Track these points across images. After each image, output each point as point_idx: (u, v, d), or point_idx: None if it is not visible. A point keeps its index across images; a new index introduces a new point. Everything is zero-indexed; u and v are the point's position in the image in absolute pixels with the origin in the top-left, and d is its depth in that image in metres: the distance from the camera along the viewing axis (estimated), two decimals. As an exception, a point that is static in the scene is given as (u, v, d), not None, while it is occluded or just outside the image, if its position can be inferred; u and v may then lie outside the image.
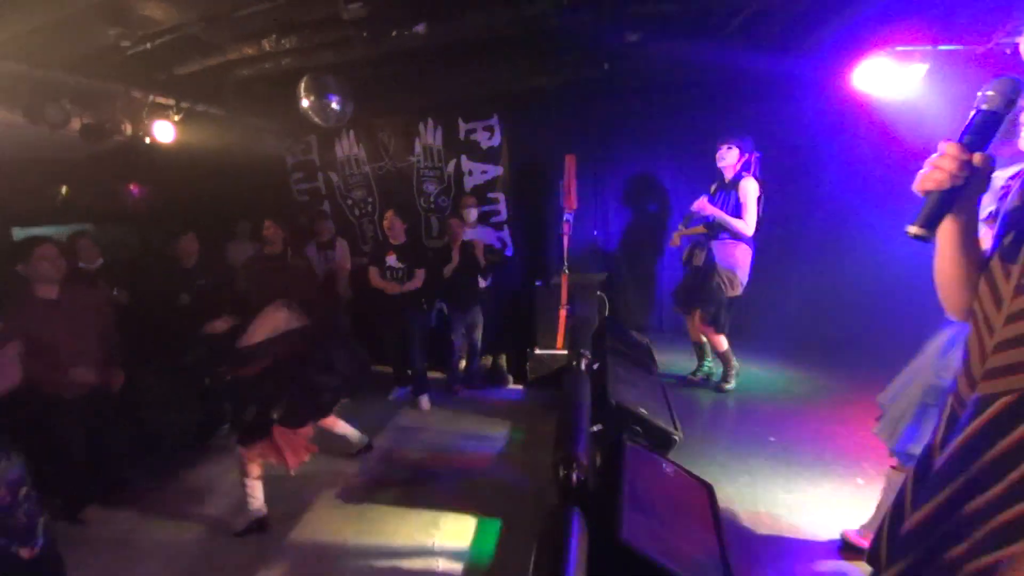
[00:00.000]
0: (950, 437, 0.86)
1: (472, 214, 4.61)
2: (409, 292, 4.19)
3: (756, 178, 3.72)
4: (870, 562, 1.00)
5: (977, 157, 0.82)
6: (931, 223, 0.85)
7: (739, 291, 3.81)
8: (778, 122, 4.39)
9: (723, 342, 3.90)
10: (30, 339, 2.69)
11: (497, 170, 4.92)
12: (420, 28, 3.15)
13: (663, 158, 4.96)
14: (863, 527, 2.29)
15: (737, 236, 3.76)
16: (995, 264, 0.87)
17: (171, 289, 3.84)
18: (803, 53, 3.61)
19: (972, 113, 0.83)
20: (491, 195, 4.96)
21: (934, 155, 0.84)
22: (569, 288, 4.47)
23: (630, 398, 2.76)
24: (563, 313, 4.46)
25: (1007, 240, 0.86)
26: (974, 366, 0.86)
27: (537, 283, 4.75)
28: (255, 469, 2.72)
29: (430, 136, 5.06)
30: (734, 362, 3.95)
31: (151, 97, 3.64)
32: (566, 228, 4.51)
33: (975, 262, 0.90)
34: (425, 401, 4.27)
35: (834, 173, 4.58)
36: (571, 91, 4.66)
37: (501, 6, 3.10)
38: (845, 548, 2.29)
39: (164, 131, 3.84)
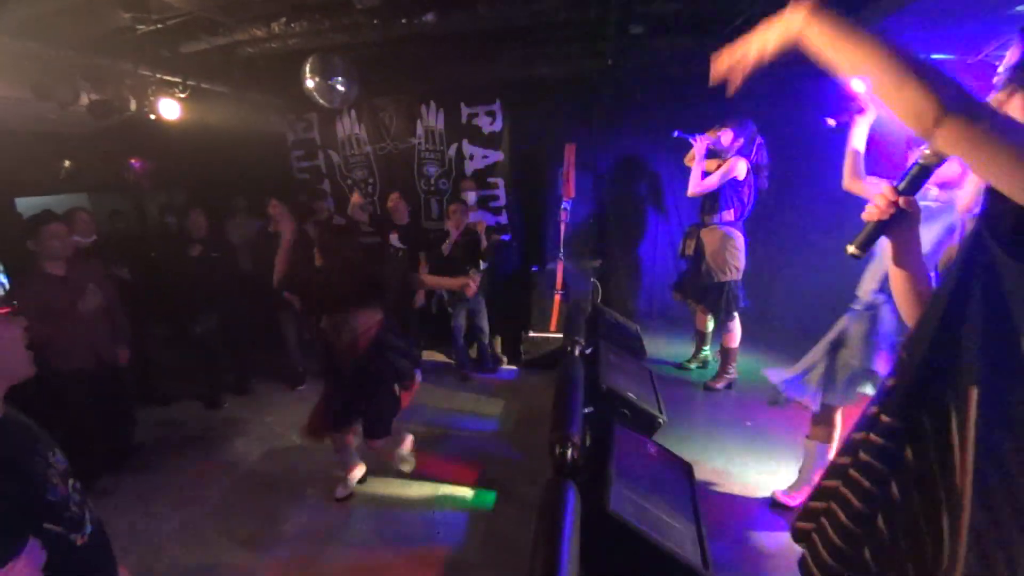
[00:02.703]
0: None
1: (471, 197, 4.72)
2: (403, 272, 4.32)
3: (757, 163, 3.71)
4: None
5: (902, 200, 1.01)
6: (863, 246, 1.05)
7: (732, 275, 3.81)
8: (779, 115, 4.42)
9: (735, 338, 3.92)
10: (42, 313, 2.82)
11: (498, 155, 5.00)
12: (429, 17, 3.20)
13: (661, 150, 5.06)
14: (790, 488, 2.70)
15: (723, 221, 3.79)
16: None
17: (179, 262, 3.94)
18: (802, 54, 3.71)
19: (910, 164, 1.01)
20: (491, 180, 5.05)
21: (876, 192, 1.04)
22: (564, 274, 4.63)
23: (620, 383, 2.95)
24: (557, 298, 4.63)
25: None
26: None
27: (533, 268, 4.91)
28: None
29: (432, 118, 5.11)
30: (733, 367, 3.98)
31: (157, 75, 3.66)
32: (563, 215, 4.63)
33: (917, 281, 1.09)
34: (418, 375, 4.46)
35: (837, 165, 4.63)
36: (574, 81, 4.73)
37: (510, -1, 3.16)
38: (774, 505, 2.70)
39: (170, 109, 3.87)
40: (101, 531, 1.17)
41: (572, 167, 4.55)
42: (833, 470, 1.09)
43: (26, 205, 4.80)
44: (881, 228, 1.03)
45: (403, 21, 3.26)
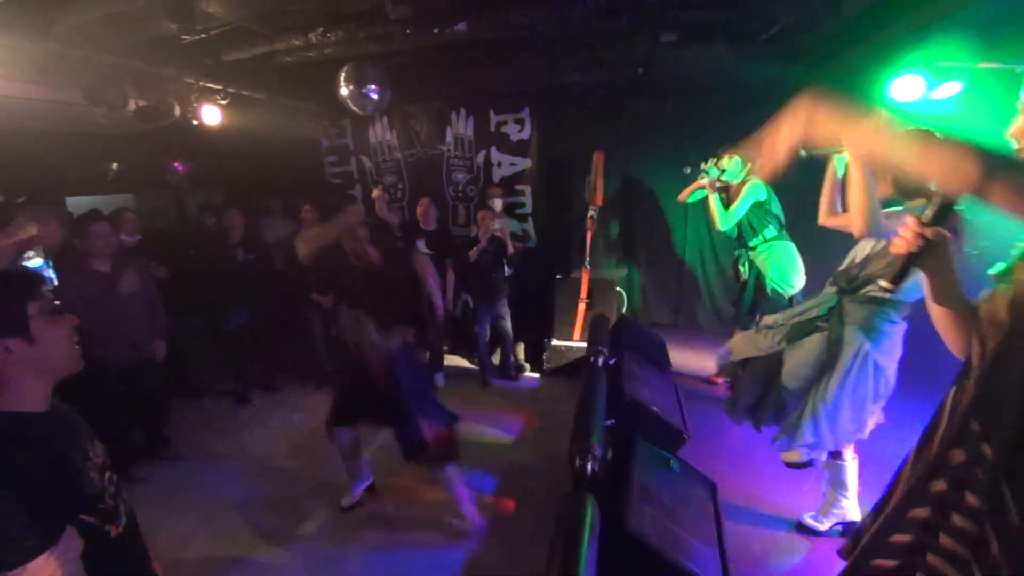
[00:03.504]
0: None
1: (498, 204, 4.74)
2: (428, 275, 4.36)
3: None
4: None
5: (929, 231, 0.97)
6: (896, 280, 1.02)
7: (797, 287, 3.77)
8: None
9: None
10: (86, 307, 2.95)
11: (525, 162, 5.02)
12: (462, 27, 3.24)
13: (690, 159, 5.00)
14: (818, 512, 2.59)
15: (768, 239, 3.76)
16: None
17: (216, 260, 4.08)
18: (837, 64, 3.62)
19: (933, 196, 0.98)
20: (518, 187, 5.07)
21: (902, 226, 1.01)
22: (589, 283, 4.59)
23: (644, 395, 2.90)
24: (582, 307, 4.59)
25: None
26: None
27: (558, 276, 4.89)
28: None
29: (461, 126, 5.17)
30: None
31: (200, 82, 3.81)
32: (590, 224, 4.61)
33: (955, 310, 1.03)
34: (440, 379, 4.50)
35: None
36: (603, 89, 4.71)
37: (543, 8, 3.17)
38: (800, 528, 2.60)
39: (212, 115, 4.03)
40: (134, 522, 1.21)
41: (600, 175, 4.52)
42: (893, 550, 0.97)
43: (75, 204, 5.04)
44: (911, 261, 1.00)
45: (435, 31, 3.31)
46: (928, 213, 0.97)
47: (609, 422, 2.57)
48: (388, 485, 3.10)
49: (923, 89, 3.38)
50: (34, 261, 4.23)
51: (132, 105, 3.59)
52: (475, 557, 2.56)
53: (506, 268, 4.58)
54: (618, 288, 4.88)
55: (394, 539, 2.71)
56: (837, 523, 2.53)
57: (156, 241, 4.44)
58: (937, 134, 0.77)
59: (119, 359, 3.13)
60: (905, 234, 0.99)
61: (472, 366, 4.80)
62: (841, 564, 2.04)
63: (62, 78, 3.33)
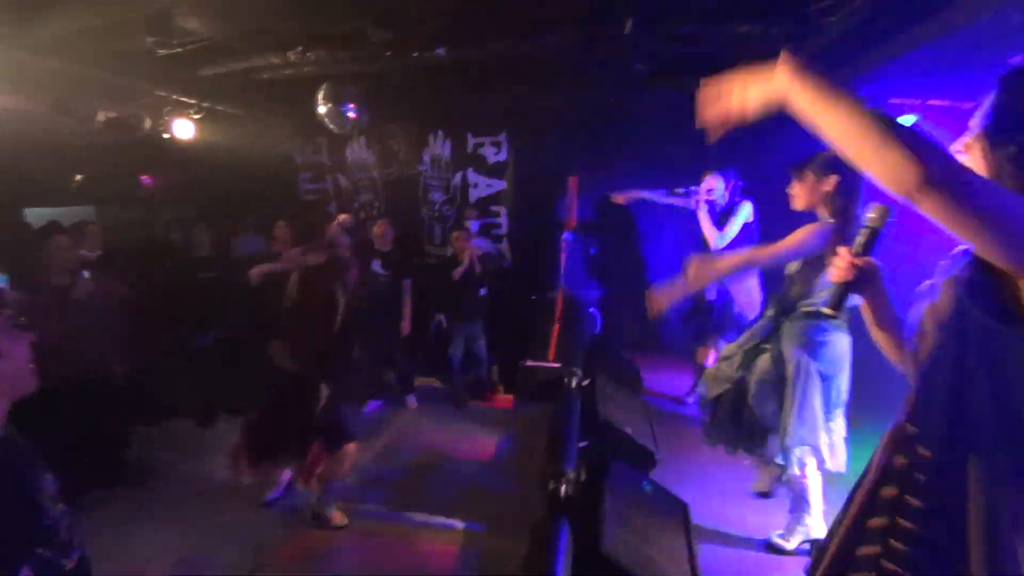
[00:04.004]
0: None
1: (473, 225, 4.77)
2: (392, 296, 4.32)
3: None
4: None
5: (859, 260, 1.07)
6: (835, 306, 1.12)
7: (757, 311, 3.80)
8: (777, 152, 4.53)
9: None
10: (43, 324, 2.82)
11: (501, 184, 5.09)
12: (440, 51, 3.30)
13: (664, 184, 5.15)
14: (786, 531, 2.61)
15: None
16: None
17: (182, 277, 3.96)
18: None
19: (861, 228, 1.09)
20: (494, 208, 5.12)
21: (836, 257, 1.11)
22: (564, 303, 4.64)
23: (617, 417, 2.93)
24: (556, 327, 4.63)
25: None
26: None
27: (533, 297, 4.92)
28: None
29: (439, 147, 5.21)
30: None
31: (174, 96, 3.76)
32: (564, 246, 4.68)
33: (891, 331, 1.13)
34: (412, 400, 4.43)
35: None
36: (580, 113, 4.84)
37: (521, 35, 3.26)
38: (770, 548, 2.61)
39: (184, 129, 3.97)
40: (85, 556, 1.14)
41: (574, 198, 4.62)
42: (862, 563, 0.98)
43: (34, 216, 4.85)
44: (847, 288, 1.10)
45: (415, 54, 3.36)
46: (859, 242, 1.08)
47: (583, 444, 2.59)
48: (355, 512, 3.01)
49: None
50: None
51: (101, 116, 3.51)
52: (447, 583, 2.50)
53: (481, 289, 4.58)
54: (592, 309, 4.93)
55: (362, 567, 2.62)
56: (804, 541, 2.57)
57: (120, 256, 4.29)
58: (896, 123, 0.76)
59: (76, 378, 2.99)
60: (840, 264, 1.09)
61: (444, 387, 4.75)
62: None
63: (29, 87, 3.25)
